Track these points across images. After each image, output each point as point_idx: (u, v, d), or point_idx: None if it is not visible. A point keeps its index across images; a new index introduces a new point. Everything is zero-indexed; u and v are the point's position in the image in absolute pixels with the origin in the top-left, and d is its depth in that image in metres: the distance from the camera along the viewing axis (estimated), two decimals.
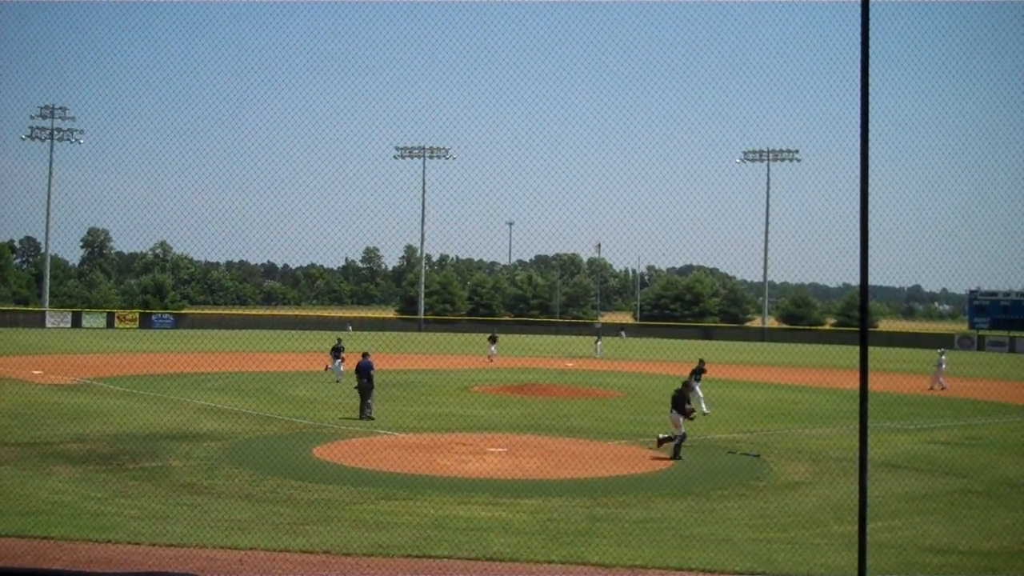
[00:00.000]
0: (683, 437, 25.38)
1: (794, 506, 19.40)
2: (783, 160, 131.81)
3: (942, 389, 49.40)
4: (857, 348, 11.93)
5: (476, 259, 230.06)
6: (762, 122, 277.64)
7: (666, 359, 71.46)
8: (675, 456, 24.99)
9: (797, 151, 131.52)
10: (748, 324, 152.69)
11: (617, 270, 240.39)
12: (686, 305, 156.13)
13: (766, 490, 21.20)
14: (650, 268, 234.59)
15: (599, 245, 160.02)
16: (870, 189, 12.08)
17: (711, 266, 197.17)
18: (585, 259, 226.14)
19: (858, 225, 11.79)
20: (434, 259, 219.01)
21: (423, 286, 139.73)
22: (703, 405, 35.69)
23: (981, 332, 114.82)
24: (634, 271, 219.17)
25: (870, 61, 11.65)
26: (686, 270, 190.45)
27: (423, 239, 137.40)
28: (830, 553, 15.31)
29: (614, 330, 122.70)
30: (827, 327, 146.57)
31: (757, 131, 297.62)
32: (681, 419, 25.55)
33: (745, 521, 17.79)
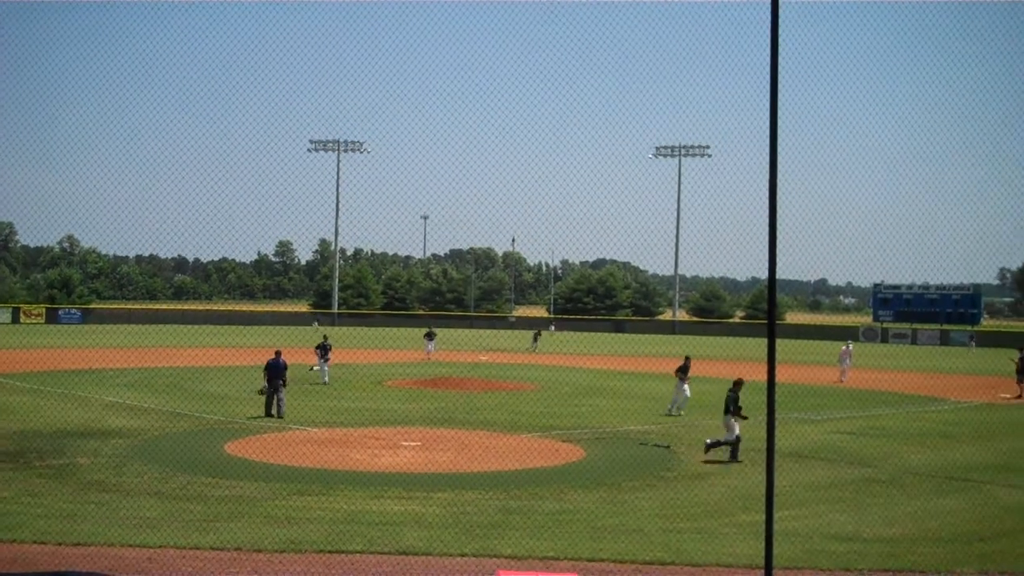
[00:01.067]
0: (738, 440, 24.78)
1: (703, 496, 19.66)
2: (694, 156, 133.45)
3: (839, 381, 50.45)
4: (765, 340, 12.09)
5: (391, 253, 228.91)
6: (675, 118, 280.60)
7: (583, 352, 71.92)
8: (733, 459, 24.35)
9: (708, 147, 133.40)
10: (660, 317, 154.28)
11: (531, 264, 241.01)
12: (599, 298, 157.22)
13: (676, 481, 21.46)
14: (564, 262, 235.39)
15: (514, 239, 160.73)
16: (778, 184, 12.24)
17: (624, 260, 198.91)
18: (500, 253, 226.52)
19: (766, 220, 11.95)
20: (348, 253, 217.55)
21: (337, 280, 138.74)
22: (677, 407, 34.44)
23: (885, 324, 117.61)
24: (548, 265, 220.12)
25: (779, 58, 11.79)
26: (599, 264, 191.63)
27: (337, 233, 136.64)
28: (737, 542, 15.55)
29: (541, 324, 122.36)
30: (736, 320, 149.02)
31: (670, 127, 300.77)
32: (734, 422, 24.93)
33: (655, 511, 17.98)
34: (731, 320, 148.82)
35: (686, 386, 34.75)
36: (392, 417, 31.71)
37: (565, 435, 28.30)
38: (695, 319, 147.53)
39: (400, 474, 21.44)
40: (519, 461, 23.31)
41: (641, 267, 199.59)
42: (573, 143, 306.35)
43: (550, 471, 22.37)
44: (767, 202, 11.83)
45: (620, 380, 48.94)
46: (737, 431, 24.85)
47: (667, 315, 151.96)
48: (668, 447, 26.20)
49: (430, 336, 64.33)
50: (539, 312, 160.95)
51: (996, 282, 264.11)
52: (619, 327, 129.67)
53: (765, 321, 12.62)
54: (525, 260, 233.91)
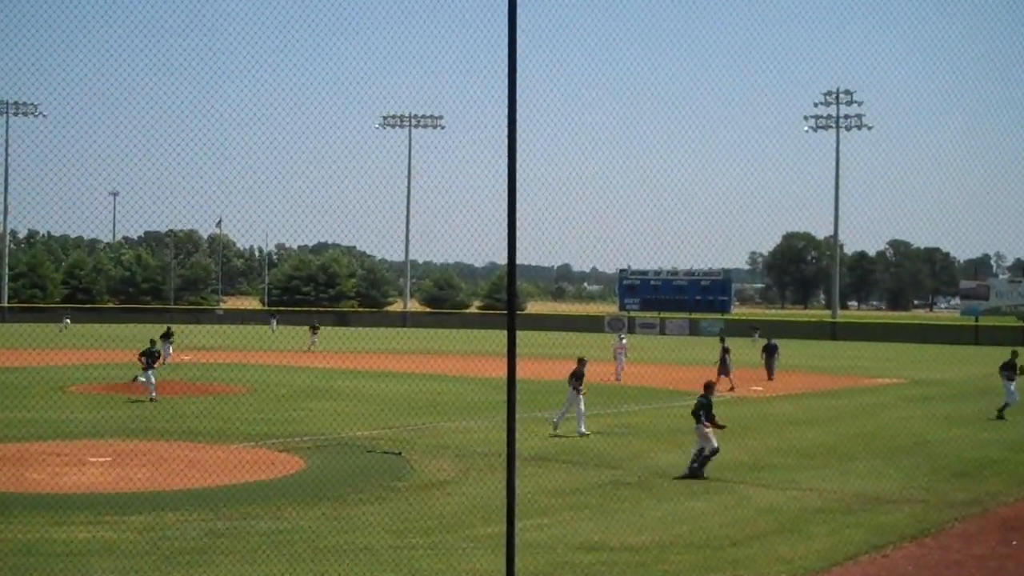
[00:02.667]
0: (715, 451, 24.08)
1: (438, 507, 19.91)
2: (426, 127, 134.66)
3: (615, 379, 51.08)
4: (505, 332, 12.32)
5: (73, 236, 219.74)
6: (405, 84, 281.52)
7: (301, 349, 71.41)
8: (698, 473, 23.80)
9: (441, 117, 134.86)
10: (389, 308, 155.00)
11: (242, 248, 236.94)
12: (320, 287, 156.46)
13: (408, 491, 21.64)
14: (280, 246, 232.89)
15: (220, 220, 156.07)
16: (518, 163, 12.46)
17: (349, 244, 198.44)
18: (204, 236, 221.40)
19: (506, 200, 12.17)
20: (20, 236, 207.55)
21: (7, 268, 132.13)
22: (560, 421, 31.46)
23: (632, 313, 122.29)
24: (261, 250, 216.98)
25: (518, 25, 12.04)
26: (320, 248, 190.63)
27: (6, 212, 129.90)
28: (477, 557, 15.84)
29: (262, 318, 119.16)
30: (473, 310, 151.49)
31: (399, 94, 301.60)
32: (709, 431, 24.12)
33: (385, 527, 18.07)
34: (467, 311, 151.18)
35: (582, 397, 31.65)
36: (77, 429, 30.49)
37: (282, 444, 28.05)
38: (428, 310, 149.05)
39: (88, 495, 20.68)
40: (228, 476, 22.93)
41: (368, 252, 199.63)
42: (289, 111, 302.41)
43: (265, 486, 22.11)
44: (506, 181, 12.08)
45: (345, 380, 48.86)
46: (714, 441, 24.19)
47: (397, 305, 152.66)
48: (399, 454, 26.37)
49: (167, 337, 59.10)
50: (251, 304, 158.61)
51: (747, 267, 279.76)
52: (343, 319, 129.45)
53: (504, 312, 12.91)
54: (234, 244, 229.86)
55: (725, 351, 48.40)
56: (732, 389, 46.16)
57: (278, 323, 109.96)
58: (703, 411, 24.33)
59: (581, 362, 32.52)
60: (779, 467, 25.78)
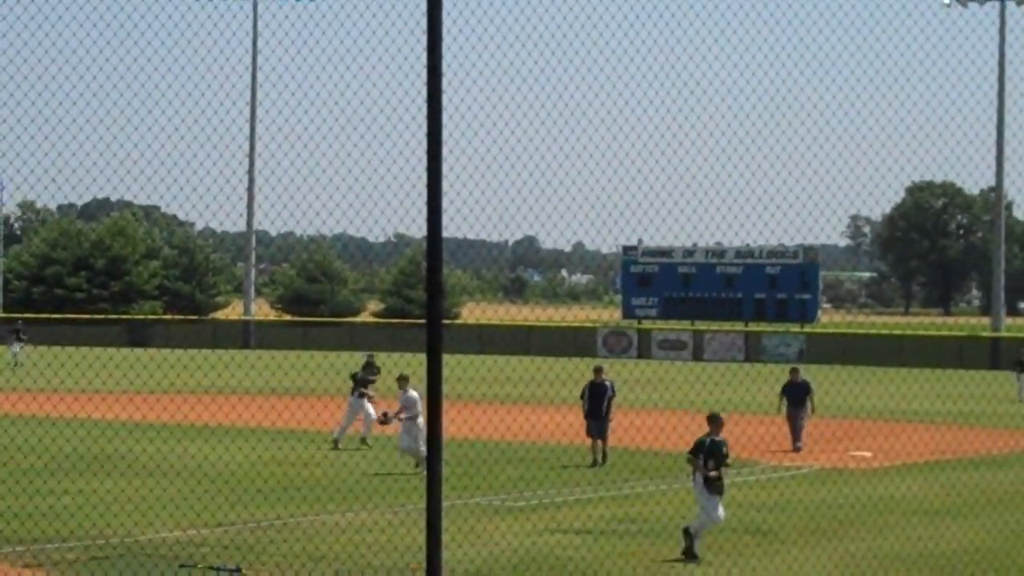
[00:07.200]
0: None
1: None
2: None
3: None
4: (423, 356, 12.19)
5: None
6: None
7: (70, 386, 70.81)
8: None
9: None
10: (218, 314, 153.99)
11: None
12: (98, 277, 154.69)
13: None
14: (25, 206, 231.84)
15: None
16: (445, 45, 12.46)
17: (146, 203, 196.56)
18: None
19: (424, 120, 12.07)
20: None
21: None
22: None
23: (643, 325, 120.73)
24: None
25: None
26: (97, 208, 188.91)
27: None
28: None
29: None
30: (367, 317, 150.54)
31: None
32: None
33: None
34: (357, 319, 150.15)
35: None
36: None
37: (28, 555, 27.87)
38: (288, 317, 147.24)
39: None
40: None
41: (182, 216, 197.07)
42: None
43: None
44: (425, 83, 12.60)
45: (144, 440, 48.30)
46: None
47: (233, 310, 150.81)
48: (238, 571, 26.04)
49: None
50: None
51: (846, 242, 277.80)
52: (138, 335, 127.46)
53: (423, 321, 12.83)
54: None
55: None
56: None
57: (24, 346, 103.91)
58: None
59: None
60: None
